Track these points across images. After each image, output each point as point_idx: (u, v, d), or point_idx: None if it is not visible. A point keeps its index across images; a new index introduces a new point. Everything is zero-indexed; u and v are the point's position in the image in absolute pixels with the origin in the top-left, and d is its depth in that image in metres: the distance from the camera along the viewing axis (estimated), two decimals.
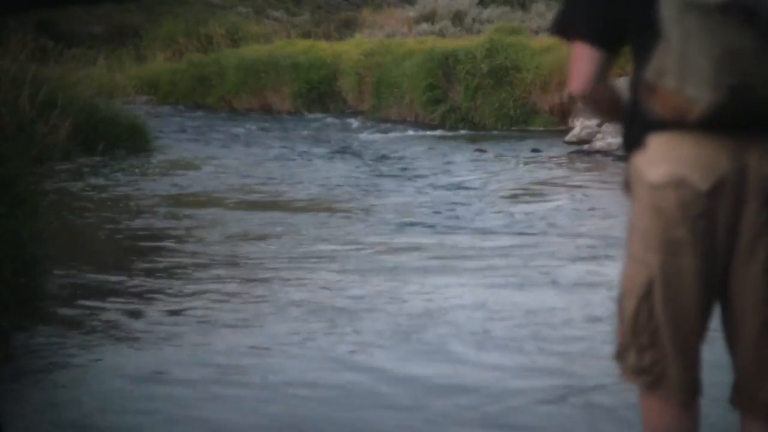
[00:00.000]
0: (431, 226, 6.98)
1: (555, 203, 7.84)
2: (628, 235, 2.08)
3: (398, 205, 7.92)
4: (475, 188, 8.80)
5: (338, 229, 6.95)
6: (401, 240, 6.53)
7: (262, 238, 6.61)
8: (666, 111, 1.94)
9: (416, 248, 6.24)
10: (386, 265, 5.77)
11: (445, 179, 9.39)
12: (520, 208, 7.69)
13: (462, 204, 7.93)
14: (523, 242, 6.33)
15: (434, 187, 8.94)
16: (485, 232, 6.78)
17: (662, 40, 1.89)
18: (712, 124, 1.91)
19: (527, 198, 8.31)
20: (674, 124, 1.94)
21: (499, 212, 7.54)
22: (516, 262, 5.77)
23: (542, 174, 9.65)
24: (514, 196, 8.37)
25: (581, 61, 2.08)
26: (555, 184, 8.96)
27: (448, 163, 10.59)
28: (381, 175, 9.73)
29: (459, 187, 8.89)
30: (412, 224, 7.06)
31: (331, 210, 7.80)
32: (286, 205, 8.06)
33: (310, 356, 4.10)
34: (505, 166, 10.24)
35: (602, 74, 2.09)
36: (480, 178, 9.42)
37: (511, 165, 10.29)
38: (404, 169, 10.21)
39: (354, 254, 6.12)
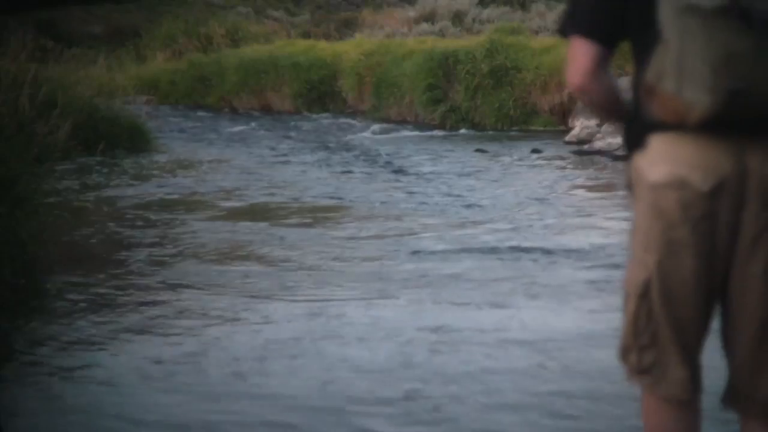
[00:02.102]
0: (471, 250, 6.11)
1: (594, 220, 7.01)
2: (630, 236, 2.09)
3: (415, 219, 7.25)
4: (493, 198, 8.20)
5: (357, 249, 6.22)
6: (453, 264, 5.71)
7: (282, 257, 5.98)
8: (665, 113, 1.94)
9: (467, 274, 5.48)
10: (466, 297, 4.98)
11: (454, 186, 8.90)
12: (562, 224, 6.87)
13: (488, 219, 7.16)
14: (608, 276, 5.14)
15: (447, 195, 8.35)
16: (538, 252, 5.92)
17: (661, 42, 1.89)
18: (712, 127, 1.91)
19: (570, 213, 7.43)
20: (674, 126, 1.94)
21: (539, 230, 6.70)
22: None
23: (553, 177, 9.29)
24: (548, 207, 7.61)
25: (578, 55, 2.08)
26: (579, 191, 8.42)
27: (454, 166, 10.31)
28: (386, 181, 9.39)
29: (475, 196, 8.26)
30: (444, 246, 6.23)
31: (340, 222, 7.22)
32: (290, 214, 7.56)
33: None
34: (513, 169, 9.99)
35: (600, 69, 2.08)
36: (493, 184, 8.98)
37: (519, 168, 10.05)
38: (409, 173, 9.82)
39: (404, 282, 5.33)
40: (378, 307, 4.88)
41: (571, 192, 8.50)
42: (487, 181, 9.20)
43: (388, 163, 10.67)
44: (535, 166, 10.23)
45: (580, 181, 9.07)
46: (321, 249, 6.19)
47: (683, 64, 1.87)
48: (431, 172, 9.84)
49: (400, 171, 10.01)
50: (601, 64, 2.08)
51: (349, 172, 10.01)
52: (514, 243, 6.25)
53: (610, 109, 2.17)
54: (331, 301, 4.97)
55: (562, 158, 10.70)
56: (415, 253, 6.06)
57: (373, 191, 8.68)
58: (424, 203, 8.01)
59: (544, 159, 10.64)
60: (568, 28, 2.11)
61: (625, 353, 2.11)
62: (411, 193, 8.57)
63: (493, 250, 6.08)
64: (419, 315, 4.70)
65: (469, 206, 7.86)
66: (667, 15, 1.87)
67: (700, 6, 1.84)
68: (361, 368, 3.94)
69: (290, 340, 4.31)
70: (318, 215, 7.59)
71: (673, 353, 2.04)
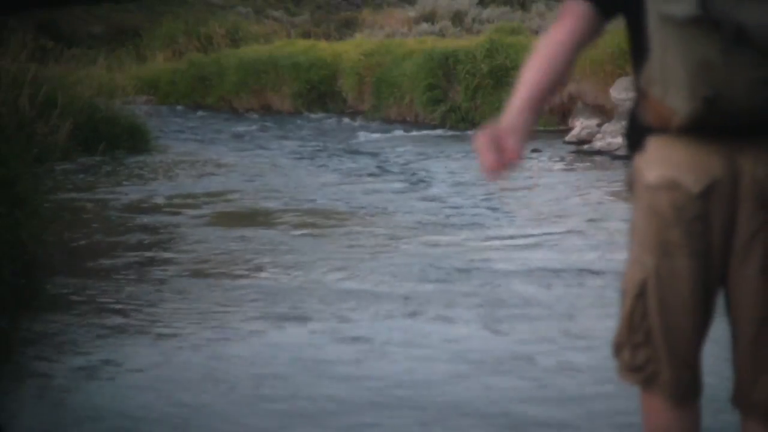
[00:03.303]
0: (521, 271, 5.36)
1: None
2: (629, 235, 2.10)
3: (440, 229, 6.62)
4: (521, 206, 7.54)
5: (378, 264, 5.65)
6: (509, 288, 5.02)
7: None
8: (653, 118, 1.99)
9: (532, 300, 4.80)
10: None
11: (472, 192, 8.32)
12: (611, 238, 5.97)
13: (526, 232, 6.36)
14: None
15: (467, 202, 7.72)
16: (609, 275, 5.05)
17: (650, 48, 1.92)
18: (698, 131, 1.93)
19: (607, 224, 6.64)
20: (661, 129, 1.97)
21: (590, 246, 5.92)
22: None
23: (573, 181, 8.87)
24: (584, 216, 6.92)
25: (566, 9, 2.04)
26: (608, 197, 7.77)
27: (464, 168, 9.86)
28: (396, 184, 8.93)
29: (499, 203, 7.62)
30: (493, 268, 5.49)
31: (352, 233, 6.70)
32: (296, 221, 7.14)
33: None
34: (526, 172, 9.42)
35: (582, 28, 2.03)
36: (514, 190, 8.36)
37: (532, 170, 9.52)
38: (419, 177, 9.38)
39: (448, 310, 4.68)
40: (427, 338, 4.28)
41: (603, 197, 7.96)
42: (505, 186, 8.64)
43: (395, 164, 10.43)
44: (545, 168, 9.92)
45: (603, 185, 8.67)
46: (336, 264, 5.70)
47: (665, 72, 1.91)
48: (442, 176, 9.48)
49: (409, 174, 9.66)
50: (585, 27, 2.02)
51: (355, 175, 9.75)
52: (572, 262, 5.50)
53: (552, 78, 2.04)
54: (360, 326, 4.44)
55: (565, 159, 10.63)
56: (458, 270, 5.38)
57: (384, 198, 8.22)
58: (442, 210, 7.51)
59: (551, 160, 10.46)
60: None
61: (618, 349, 2.14)
62: (427, 199, 8.10)
63: (548, 270, 5.30)
64: (481, 349, 4.10)
65: (496, 217, 7.18)
66: (651, 23, 1.91)
67: (675, 16, 1.87)
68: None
69: (320, 363, 3.95)
70: (327, 223, 7.20)
71: (666, 353, 2.06)
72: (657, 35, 1.90)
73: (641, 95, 1.99)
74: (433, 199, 8.14)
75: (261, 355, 4.10)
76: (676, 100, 1.91)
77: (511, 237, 6.35)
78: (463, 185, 8.83)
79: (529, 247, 6.07)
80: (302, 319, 4.62)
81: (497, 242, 6.24)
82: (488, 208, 7.56)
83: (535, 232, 6.49)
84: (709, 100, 1.87)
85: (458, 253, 5.94)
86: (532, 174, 9.47)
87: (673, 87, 1.90)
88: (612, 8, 2.06)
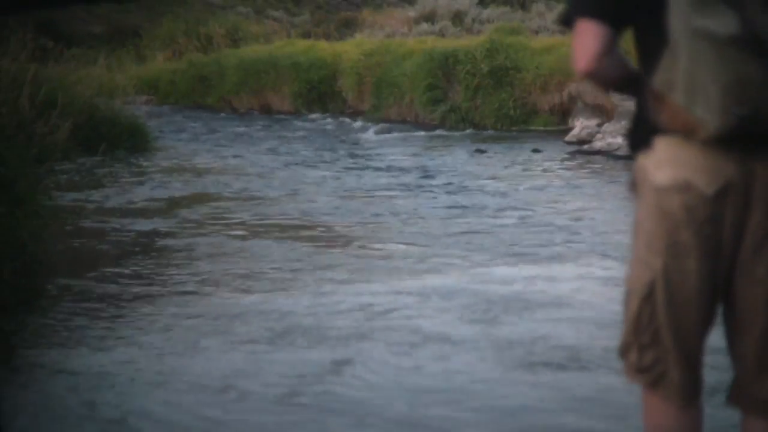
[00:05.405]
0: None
1: None
2: (634, 235, 2.09)
3: (498, 257, 5.84)
4: (572, 219, 6.89)
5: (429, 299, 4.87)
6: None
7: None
8: (675, 124, 1.96)
9: None
10: None
11: (508, 202, 7.85)
12: None
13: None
14: None
15: (515, 217, 7.12)
16: None
17: (669, 51, 1.90)
18: (720, 142, 1.93)
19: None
20: (684, 135, 1.96)
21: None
22: None
23: (604, 188, 8.40)
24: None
25: (585, 37, 2.04)
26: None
27: (481, 172, 9.63)
28: (417, 194, 8.45)
29: (552, 219, 6.93)
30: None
31: (365, 249, 6.18)
32: (310, 234, 6.70)
33: None
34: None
35: (608, 49, 2.04)
36: (554, 199, 7.84)
37: (552, 175, 9.25)
38: (440, 184, 8.93)
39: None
40: None
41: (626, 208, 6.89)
42: (538, 191, 8.09)
43: (405, 169, 10.03)
44: (552, 171, 9.62)
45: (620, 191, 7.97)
46: (371, 293, 5.04)
47: (694, 83, 1.89)
48: (464, 183, 8.97)
49: (423, 180, 9.17)
50: (610, 46, 2.04)
51: (367, 182, 9.26)
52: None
53: (622, 86, 2.14)
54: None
55: (567, 160, 10.55)
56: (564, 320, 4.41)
57: (406, 212, 7.45)
58: (478, 227, 6.81)
59: (554, 161, 10.31)
60: (573, 13, 2.07)
61: (625, 350, 2.13)
62: (464, 217, 7.24)
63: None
64: None
65: (565, 240, 6.22)
66: (678, 30, 1.89)
67: (713, 32, 1.86)
68: None
69: None
70: (337, 237, 6.66)
71: (673, 353, 2.05)
72: (686, 47, 1.88)
73: (654, 97, 1.97)
74: (461, 212, 7.46)
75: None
76: (705, 112, 1.89)
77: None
78: (486, 195, 8.29)
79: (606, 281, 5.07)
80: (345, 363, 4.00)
81: (567, 272, 5.28)
82: (526, 224, 6.72)
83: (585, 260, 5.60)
84: (742, 118, 1.87)
85: (521, 285, 5.09)
86: (555, 180, 9.05)
87: (702, 99, 1.89)
88: (624, 22, 2.06)
